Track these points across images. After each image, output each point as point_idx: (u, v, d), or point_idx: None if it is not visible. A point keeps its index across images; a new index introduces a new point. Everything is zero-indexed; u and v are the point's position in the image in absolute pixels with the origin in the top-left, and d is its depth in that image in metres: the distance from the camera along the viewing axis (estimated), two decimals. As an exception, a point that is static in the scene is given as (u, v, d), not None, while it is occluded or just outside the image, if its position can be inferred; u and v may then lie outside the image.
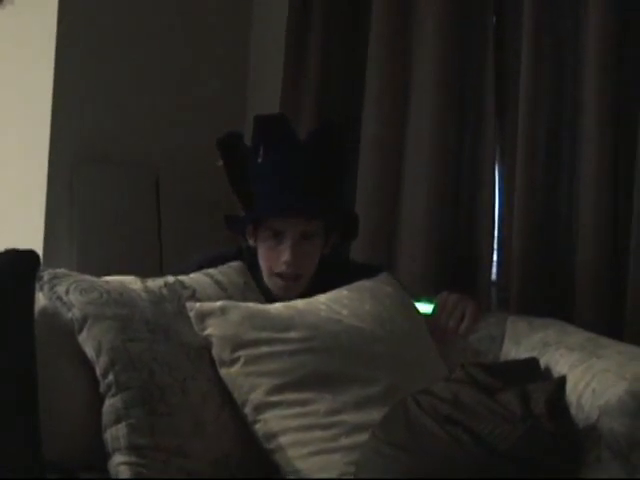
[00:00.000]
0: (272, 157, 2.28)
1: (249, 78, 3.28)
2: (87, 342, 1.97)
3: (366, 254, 2.75)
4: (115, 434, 1.90)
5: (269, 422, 1.97)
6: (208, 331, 2.04)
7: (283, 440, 1.95)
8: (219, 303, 2.08)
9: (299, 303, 2.16)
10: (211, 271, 2.23)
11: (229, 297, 2.15)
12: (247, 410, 1.99)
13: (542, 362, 2.09)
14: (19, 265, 1.95)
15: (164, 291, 2.11)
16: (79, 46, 2.92)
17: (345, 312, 2.14)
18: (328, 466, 1.91)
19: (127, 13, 3.02)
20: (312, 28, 3.01)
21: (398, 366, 2.09)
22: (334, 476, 1.90)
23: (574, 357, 2.06)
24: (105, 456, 1.91)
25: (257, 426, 1.98)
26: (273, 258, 2.27)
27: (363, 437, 1.91)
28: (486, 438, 1.80)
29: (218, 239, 2.63)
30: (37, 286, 2.01)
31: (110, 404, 1.92)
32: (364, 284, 2.26)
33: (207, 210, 3.01)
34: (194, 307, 2.07)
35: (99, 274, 2.14)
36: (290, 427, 1.96)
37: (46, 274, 2.04)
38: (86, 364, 1.96)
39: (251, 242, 2.34)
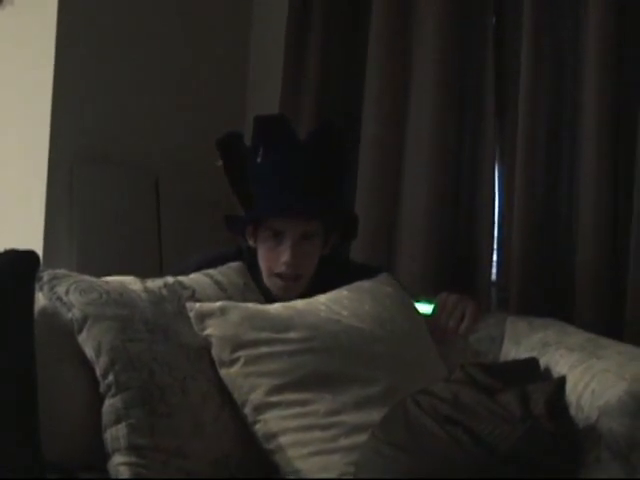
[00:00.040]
0: (272, 157, 2.28)
1: (249, 78, 3.28)
2: (87, 342, 1.97)
3: (366, 254, 2.75)
4: (115, 434, 1.90)
5: (269, 422, 1.97)
6: (208, 331, 2.04)
7: (283, 440, 1.95)
8: (219, 303, 2.08)
9: (299, 303, 2.16)
10: (211, 271, 2.23)
11: (229, 297, 2.16)
12: (247, 410, 1.99)
13: (542, 362, 2.09)
14: (19, 265, 1.95)
15: (164, 291, 2.11)
16: (79, 46, 2.92)
17: (345, 312, 2.14)
18: (328, 466, 1.91)
19: (127, 13, 3.02)
20: (312, 28, 3.01)
21: (398, 366, 2.09)
22: (334, 476, 1.90)
23: (574, 357, 2.06)
24: (105, 456, 1.90)
25: (257, 426, 1.98)
26: (273, 258, 2.27)
27: (363, 437, 1.91)
28: (486, 438, 1.80)
29: (218, 239, 2.63)
30: (37, 286, 2.01)
31: (110, 404, 1.92)
32: (364, 284, 2.26)
33: (207, 210, 3.00)
34: (194, 307, 2.07)
35: (99, 274, 2.14)
36: (290, 427, 1.96)
37: (46, 274, 2.04)
38: (86, 364, 1.96)
39: (251, 242, 2.34)
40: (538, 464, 1.81)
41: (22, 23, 2.97)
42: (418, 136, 2.76)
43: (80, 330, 1.97)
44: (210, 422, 1.97)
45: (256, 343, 2.03)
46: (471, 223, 2.73)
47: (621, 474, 1.83)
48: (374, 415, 1.94)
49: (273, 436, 1.96)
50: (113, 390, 1.92)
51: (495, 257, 2.73)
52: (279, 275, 2.28)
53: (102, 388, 1.93)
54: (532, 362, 2.07)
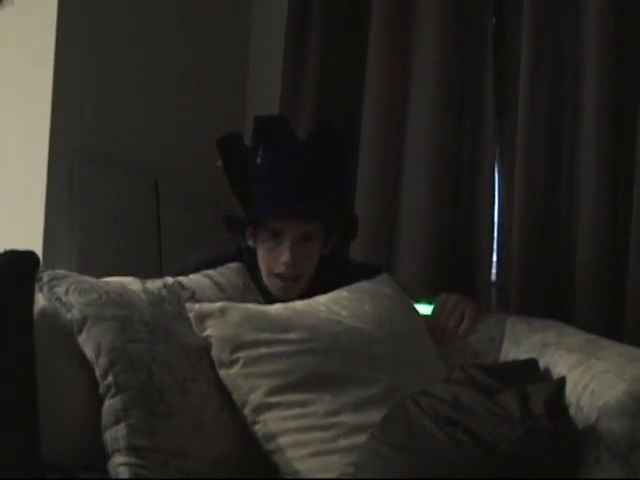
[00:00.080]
0: (271, 157, 2.28)
1: (249, 78, 3.28)
2: (86, 343, 1.97)
3: (366, 254, 2.75)
4: (114, 435, 1.90)
5: (268, 423, 1.97)
6: (207, 332, 2.04)
7: (282, 441, 1.95)
8: (218, 304, 2.08)
9: (298, 304, 2.16)
10: (210, 272, 2.23)
11: (228, 298, 2.15)
12: (246, 411, 1.99)
13: (541, 363, 2.09)
14: (18, 266, 1.95)
15: (163, 292, 2.11)
16: (79, 46, 2.92)
17: (344, 313, 2.14)
18: (327, 467, 1.91)
19: (127, 13, 3.03)
20: (312, 28, 3.01)
21: (397, 367, 2.09)
22: (333, 477, 1.89)
23: (573, 358, 2.06)
24: (105, 457, 1.91)
25: (256, 427, 1.98)
26: (272, 259, 2.27)
27: (362, 438, 1.91)
28: (486, 439, 1.80)
29: (218, 240, 2.63)
30: (36, 287, 2.01)
31: (109, 405, 1.92)
32: (363, 285, 2.26)
33: (207, 210, 3.00)
34: (194, 308, 2.07)
35: (98, 275, 2.14)
36: (289, 428, 1.96)
37: (45, 275, 2.04)
38: (85, 365, 1.96)
39: (250, 243, 2.34)
40: (538, 464, 1.81)
41: (22, 23, 2.97)
42: (418, 136, 2.76)
43: (80, 331, 1.97)
44: (210, 423, 1.97)
45: (256, 344, 2.03)
46: (471, 223, 2.73)
47: (621, 474, 1.83)
48: (374, 416, 1.94)
49: (273, 437, 1.96)
50: (113, 391, 1.92)
51: (495, 257, 2.73)
52: (279, 275, 2.28)
53: (102, 389, 1.93)
54: (532, 363, 2.06)
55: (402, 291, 2.32)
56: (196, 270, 2.25)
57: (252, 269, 2.29)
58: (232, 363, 2.01)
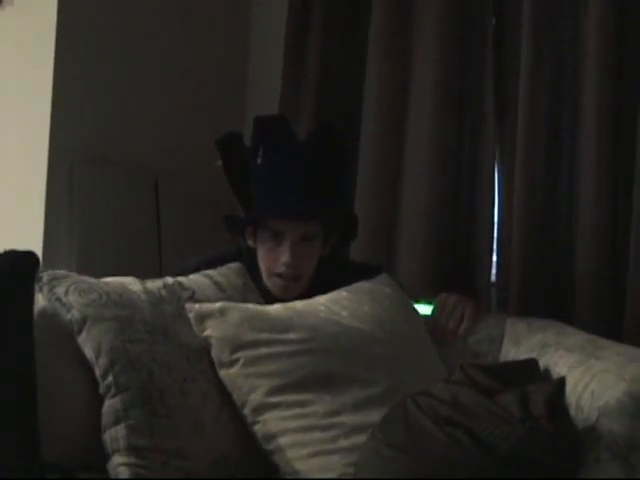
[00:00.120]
0: (271, 157, 2.27)
1: (249, 78, 3.28)
2: (86, 343, 1.97)
3: (366, 254, 2.75)
4: (114, 435, 1.90)
5: (268, 423, 1.97)
6: (207, 332, 2.04)
7: (282, 441, 1.95)
8: (218, 304, 2.08)
9: (298, 304, 2.16)
10: (210, 272, 2.23)
11: (228, 298, 2.15)
12: (246, 411, 1.99)
13: (541, 363, 2.09)
14: (18, 266, 1.95)
15: (163, 292, 2.11)
16: (79, 46, 2.92)
17: (344, 313, 2.14)
18: (327, 467, 1.91)
19: (127, 13, 3.02)
20: (312, 28, 3.01)
21: (397, 367, 2.09)
22: (333, 477, 1.89)
23: (573, 358, 2.06)
24: (105, 457, 1.91)
25: (256, 427, 1.98)
26: (272, 259, 2.27)
27: (362, 438, 1.91)
28: (485, 439, 1.80)
29: (218, 240, 2.63)
30: (36, 287, 2.01)
31: (109, 405, 1.92)
32: (363, 285, 2.26)
33: (207, 210, 3.00)
34: (193, 308, 2.07)
35: (98, 275, 2.14)
36: (289, 428, 1.96)
37: (45, 275, 2.04)
38: (85, 365, 1.96)
39: (250, 243, 2.34)
40: (538, 464, 1.81)
41: (22, 23, 2.97)
42: (418, 136, 2.76)
43: (80, 331, 1.97)
44: (210, 423, 1.97)
45: (256, 344, 2.03)
46: (471, 223, 2.73)
47: (620, 474, 1.83)
48: (374, 416, 1.94)
49: (273, 437, 1.96)
50: (113, 391, 1.92)
51: (495, 257, 2.73)
52: (279, 275, 2.28)
53: (102, 389, 1.93)
54: (532, 363, 2.06)
55: (402, 291, 2.32)
56: (196, 270, 2.25)
57: (252, 269, 2.29)
58: (232, 363, 2.01)
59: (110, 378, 1.93)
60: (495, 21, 2.74)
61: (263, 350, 2.02)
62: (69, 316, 1.99)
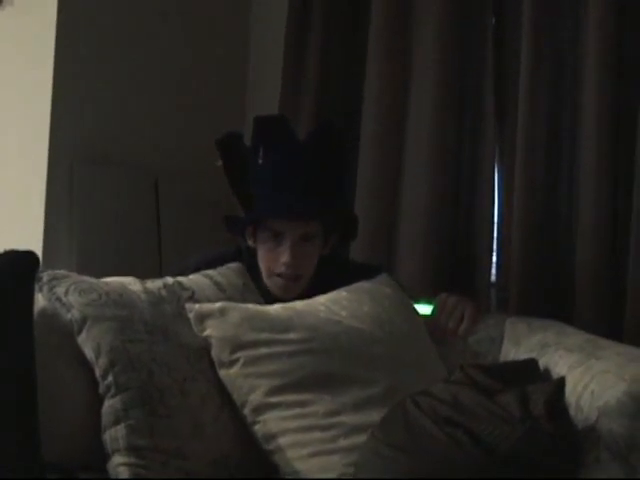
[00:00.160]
0: (272, 158, 2.27)
1: (249, 78, 3.28)
2: (86, 343, 1.97)
3: (366, 254, 2.75)
4: (114, 435, 1.90)
5: (268, 423, 1.97)
6: (207, 332, 2.04)
7: (282, 441, 1.95)
8: (218, 304, 2.08)
9: (298, 304, 2.16)
10: (210, 272, 2.23)
11: (228, 298, 2.15)
12: (246, 411, 1.99)
13: (541, 363, 2.09)
14: (18, 266, 1.95)
15: (163, 292, 2.11)
16: (79, 46, 2.92)
17: (344, 313, 2.14)
18: (327, 467, 1.91)
19: (127, 13, 3.02)
20: (312, 28, 3.01)
21: (397, 367, 2.09)
22: (333, 477, 1.89)
23: (573, 358, 2.06)
24: (104, 457, 1.91)
25: (256, 427, 1.98)
26: (272, 259, 2.27)
27: (362, 438, 1.91)
28: (485, 439, 1.80)
29: (218, 240, 2.63)
30: (36, 287, 2.01)
31: (109, 405, 1.92)
32: (363, 285, 2.26)
33: (207, 210, 3.00)
34: (193, 308, 2.07)
35: (98, 275, 2.14)
36: (289, 428, 1.96)
37: (45, 275, 2.04)
38: (85, 365, 1.96)
39: (250, 243, 2.34)
40: (538, 465, 1.81)
41: (22, 23, 2.97)
42: (418, 136, 2.76)
43: (79, 331, 1.97)
44: (210, 423, 1.97)
45: (255, 344, 2.03)
46: (471, 223, 2.73)
47: (620, 474, 1.83)
48: (374, 416, 1.94)
49: (272, 437, 1.96)
50: (112, 391, 1.92)
51: (495, 257, 2.73)
52: (279, 274, 2.28)
53: (101, 389, 1.93)
54: (531, 363, 2.06)
55: (402, 291, 2.32)
56: (196, 270, 2.25)
57: (252, 269, 2.29)
58: (232, 363, 2.01)
59: (110, 378, 1.93)
60: (495, 21, 2.74)
61: (263, 350, 2.02)
62: (69, 316, 1.99)
